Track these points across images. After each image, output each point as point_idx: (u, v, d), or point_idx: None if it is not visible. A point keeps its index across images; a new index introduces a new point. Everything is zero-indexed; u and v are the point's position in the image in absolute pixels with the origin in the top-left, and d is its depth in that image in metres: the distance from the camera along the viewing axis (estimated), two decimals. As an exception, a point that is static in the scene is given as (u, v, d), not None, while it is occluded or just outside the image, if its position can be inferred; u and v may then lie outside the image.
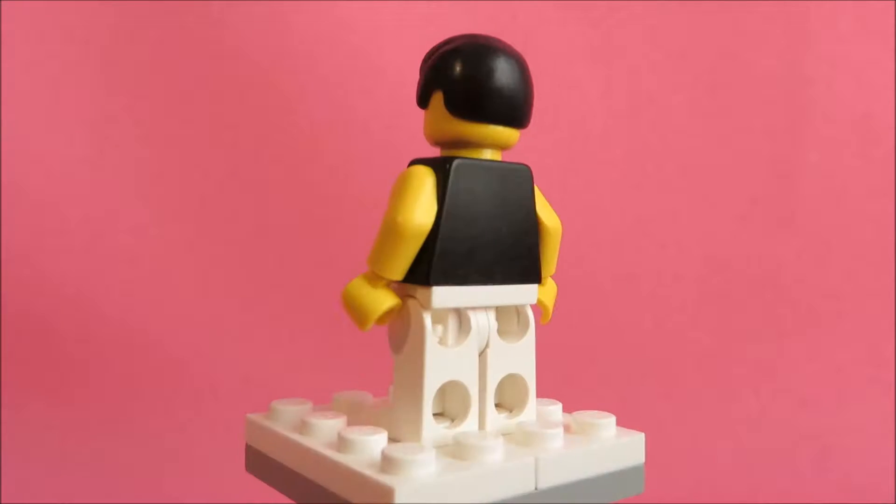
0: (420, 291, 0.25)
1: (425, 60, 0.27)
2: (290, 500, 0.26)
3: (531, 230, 0.27)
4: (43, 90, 0.59)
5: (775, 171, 0.61)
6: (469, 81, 0.25)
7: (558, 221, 0.28)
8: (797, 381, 0.59)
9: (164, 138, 0.60)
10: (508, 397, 0.27)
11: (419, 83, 0.26)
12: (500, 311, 0.27)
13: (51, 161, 0.59)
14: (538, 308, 0.28)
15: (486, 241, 0.26)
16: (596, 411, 0.27)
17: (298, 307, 0.58)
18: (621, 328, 0.59)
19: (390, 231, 0.25)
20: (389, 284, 0.25)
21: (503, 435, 0.25)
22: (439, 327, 0.25)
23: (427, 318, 0.25)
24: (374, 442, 0.23)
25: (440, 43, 0.26)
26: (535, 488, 0.23)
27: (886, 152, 0.60)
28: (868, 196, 0.60)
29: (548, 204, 0.28)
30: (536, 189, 0.27)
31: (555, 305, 0.29)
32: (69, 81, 0.59)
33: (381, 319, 0.25)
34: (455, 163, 0.25)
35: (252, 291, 0.60)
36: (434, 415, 0.25)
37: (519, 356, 0.27)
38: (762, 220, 0.60)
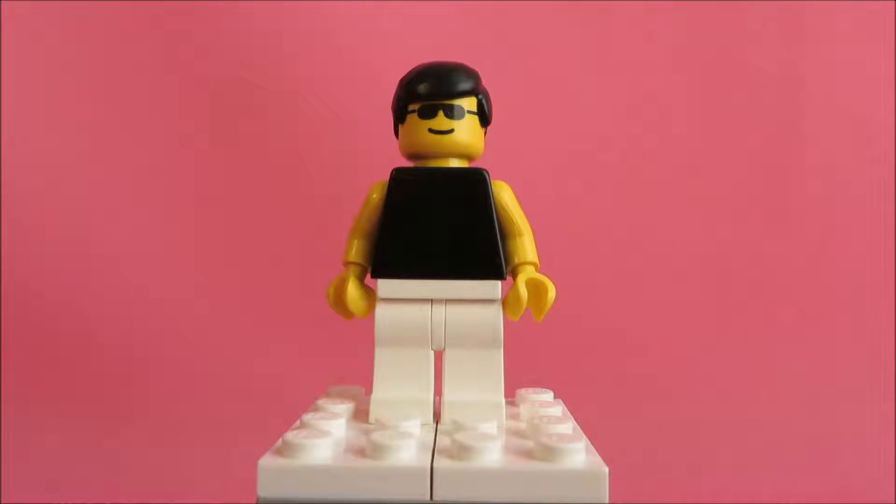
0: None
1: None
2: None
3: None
4: (39, 87, 0.59)
5: (772, 170, 0.60)
6: None
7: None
8: (797, 381, 0.59)
9: (162, 137, 0.60)
10: None
11: None
12: None
13: (48, 159, 0.59)
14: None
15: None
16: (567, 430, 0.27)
17: (300, 304, 0.58)
18: (619, 327, 0.59)
19: None
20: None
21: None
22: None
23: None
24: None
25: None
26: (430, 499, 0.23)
27: (884, 152, 0.60)
28: (866, 196, 0.60)
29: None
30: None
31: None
32: (66, 79, 0.60)
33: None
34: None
35: (254, 289, 0.60)
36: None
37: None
38: (760, 219, 0.60)
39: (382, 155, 0.56)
